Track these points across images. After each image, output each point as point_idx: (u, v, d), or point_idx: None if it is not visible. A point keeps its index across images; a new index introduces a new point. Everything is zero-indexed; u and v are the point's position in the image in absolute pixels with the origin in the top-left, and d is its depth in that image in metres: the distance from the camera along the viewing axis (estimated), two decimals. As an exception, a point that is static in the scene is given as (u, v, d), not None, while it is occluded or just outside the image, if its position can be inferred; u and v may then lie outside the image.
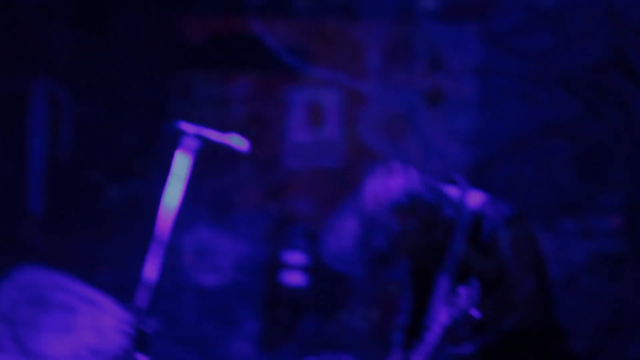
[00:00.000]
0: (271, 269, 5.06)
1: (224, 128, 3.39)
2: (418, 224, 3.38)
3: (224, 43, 5.21)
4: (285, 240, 4.99)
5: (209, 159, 5.00)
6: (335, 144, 5.09)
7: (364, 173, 5.03)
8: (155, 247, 3.15)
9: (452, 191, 3.44)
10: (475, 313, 3.28)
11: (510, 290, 3.35)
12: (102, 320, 4.15)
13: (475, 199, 3.38)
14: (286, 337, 5.08)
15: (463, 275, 3.35)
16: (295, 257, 4.95)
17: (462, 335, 3.39)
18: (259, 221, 5.17)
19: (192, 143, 3.25)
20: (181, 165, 3.24)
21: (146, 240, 3.02)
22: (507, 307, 3.38)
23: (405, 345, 3.68)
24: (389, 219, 3.37)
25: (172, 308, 5.19)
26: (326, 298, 5.06)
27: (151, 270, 3.12)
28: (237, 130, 3.60)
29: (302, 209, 4.97)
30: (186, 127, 3.28)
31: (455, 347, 3.44)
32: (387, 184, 3.43)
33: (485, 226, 3.38)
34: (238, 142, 3.44)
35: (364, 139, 5.09)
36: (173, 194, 3.19)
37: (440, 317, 3.38)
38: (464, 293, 3.31)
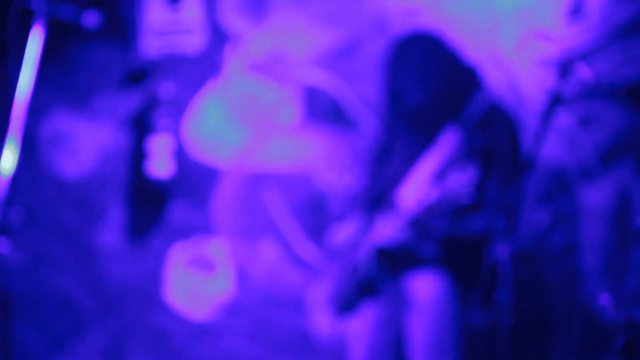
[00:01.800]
0: (135, 156, 4.96)
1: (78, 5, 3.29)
2: None
3: None
4: (149, 126, 4.89)
5: (63, 43, 4.83)
6: (195, 26, 4.97)
7: (225, 56, 4.98)
8: (11, 136, 3.04)
9: None
10: (467, 199, 3.31)
11: None
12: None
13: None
14: (153, 225, 5.04)
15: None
16: (160, 144, 4.87)
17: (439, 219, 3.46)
18: (120, 106, 5.05)
19: (43, 22, 3.13)
20: (32, 47, 3.10)
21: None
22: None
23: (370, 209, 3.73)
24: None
25: (31, 199, 5.07)
26: (192, 185, 5.02)
27: (7, 160, 3.01)
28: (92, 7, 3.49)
29: (164, 94, 4.86)
30: (36, 5, 3.14)
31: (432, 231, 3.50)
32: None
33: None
34: (91, 18, 3.35)
35: (223, 21, 5.00)
36: (25, 79, 3.06)
37: (427, 193, 3.43)
38: (458, 176, 3.34)
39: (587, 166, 4.81)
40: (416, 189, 3.66)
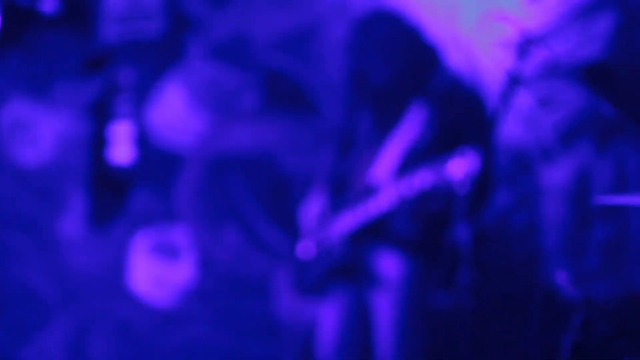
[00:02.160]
0: (95, 143, 4.93)
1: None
2: None
3: None
4: (109, 113, 4.85)
5: (21, 29, 4.77)
6: (155, 11, 4.93)
7: (185, 41, 4.94)
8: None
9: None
10: (462, 189, 3.26)
11: None
12: None
13: None
14: (115, 213, 5.02)
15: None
16: (121, 131, 4.84)
17: (433, 207, 3.46)
18: (80, 93, 5.00)
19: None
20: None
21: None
22: None
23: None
24: None
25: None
26: (154, 171, 5.00)
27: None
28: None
29: (124, 80, 4.83)
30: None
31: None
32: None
33: None
34: (48, 3, 3.33)
35: (184, 4, 4.98)
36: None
37: (416, 179, 3.42)
38: (455, 163, 3.31)
39: (547, 146, 4.84)
40: (386, 168, 3.67)
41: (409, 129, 3.68)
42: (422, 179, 3.49)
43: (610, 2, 4.74)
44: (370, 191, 3.70)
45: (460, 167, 3.28)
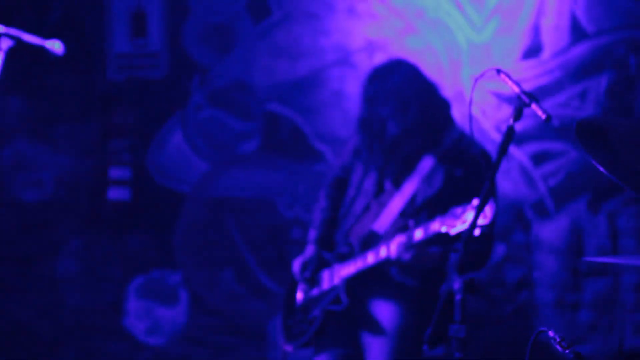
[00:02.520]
0: (96, 183, 4.97)
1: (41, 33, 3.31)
2: None
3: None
4: (109, 154, 4.90)
5: (27, 71, 4.84)
6: (158, 54, 5.01)
7: (188, 84, 5.02)
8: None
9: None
10: (477, 232, 3.28)
11: None
12: None
13: None
14: (113, 253, 5.04)
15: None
16: (120, 172, 4.88)
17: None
18: (81, 134, 5.06)
19: (4, 43, 3.15)
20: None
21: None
22: None
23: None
24: None
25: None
26: (152, 213, 5.03)
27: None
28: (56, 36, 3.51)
29: (126, 122, 4.89)
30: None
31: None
32: None
33: None
34: (54, 45, 3.39)
35: (188, 50, 5.05)
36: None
37: (431, 225, 3.44)
38: (473, 209, 3.32)
39: (542, 202, 4.90)
40: (392, 217, 3.69)
41: (417, 181, 3.71)
42: (426, 229, 3.51)
43: (605, 61, 4.84)
44: (373, 240, 3.72)
45: (474, 217, 3.31)
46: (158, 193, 5.07)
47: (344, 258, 3.78)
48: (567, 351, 2.39)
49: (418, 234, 3.54)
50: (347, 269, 3.74)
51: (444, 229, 3.44)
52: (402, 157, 3.76)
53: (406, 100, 3.69)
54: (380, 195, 3.82)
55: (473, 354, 3.24)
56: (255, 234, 5.04)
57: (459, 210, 3.42)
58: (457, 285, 2.87)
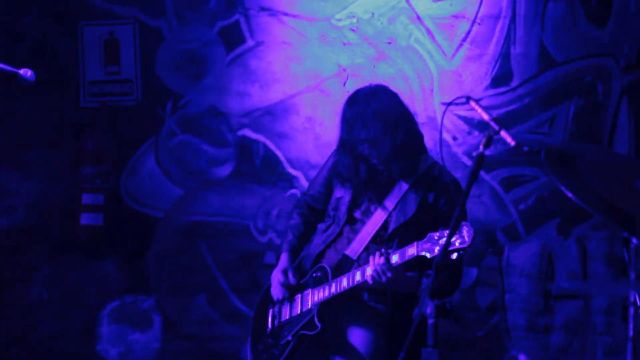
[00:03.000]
0: (67, 209, 4.96)
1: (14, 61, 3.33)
2: None
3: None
4: (82, 179, 4.90)
5: None
6: (131, 81, 5.03)
7: (161, 111, 5.03)
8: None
9: None
10: (453, 255, 3.31)
11: None
12: None
13: None
14: (85, 279, 5.03)
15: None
16: (92, 197, 4.88)
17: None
18: (53, 160, 5.05)
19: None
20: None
21: None
22: None
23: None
24: None
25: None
26: (124, 239, 5.03)
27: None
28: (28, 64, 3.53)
29: (99, 148, 4.89)
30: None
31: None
32: None
33: None
34: (26, 73, 3.42)
35: (161, 77, 5.06)
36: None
37: (408, 250, 3.46)
38: (447, 234, 3.34)
39: (514, 226, 4.95)
40: (366, 242, 3.71)
41: (391, 207, 3.73)
42: (403, 254, 3.53)
43: (573, 88, 4.91)
44: (346, 264, 3.73)
45: (446, 240, 3.34)
46: (131, 218, 5.07)
47: (318, 282, 3.79)
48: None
49: (395, 258, 3.56)
50: (321, 293, 3.75)
51: (423, 253, 3.46)
52: (379, 181, 3.79)
53: (389, 125, 3.71)
54: (353, 220, 3.84)
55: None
56: (229, 258, 5.05)
57: (435, 235, 3.45)
58: (429, 309, 2.90)
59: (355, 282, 3.65)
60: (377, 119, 3.72)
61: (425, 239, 3.46)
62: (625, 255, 4.42)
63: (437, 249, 3.42)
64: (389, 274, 3.54)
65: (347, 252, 3.77)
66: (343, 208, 3.84)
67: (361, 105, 3.76)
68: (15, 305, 5.06)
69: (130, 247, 5.08)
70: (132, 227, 5.07)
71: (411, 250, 3.49)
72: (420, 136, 3.85)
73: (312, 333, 3.74)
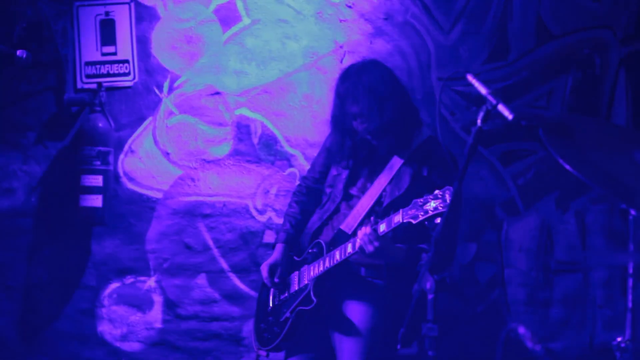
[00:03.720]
0: (67, 191, 4.96)
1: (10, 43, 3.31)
2: None
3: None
4: (81, 161, 4.90)
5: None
6: (128, 61, 5.01)
7: (158, 91, 5.02)
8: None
9: None
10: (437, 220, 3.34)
11: None
12: None
13: None
14: (86, 260, 5.03)
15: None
16: (91, 179, 4.87)
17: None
18: (52, 142, 5.05)
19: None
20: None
21: None
22: None
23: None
24: None
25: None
26: (124, 220, 5.03)
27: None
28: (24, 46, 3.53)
29: (96, 129, 4.88)
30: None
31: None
32: None
33: None
34: (22, 54, 3.43)
35: (157, 57, 5.05)
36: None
37: (394, 217, 3.46)
38: (434, 198, 3.36)
39: (512, 201, 4.95)
40: (361, 216, 3.71)
41: (386, 181, 3.74)
42: (389, 222, 3.53)
43: (570, 61, 4.90)
44: (341, 239, 3.74)
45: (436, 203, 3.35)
46: (130, 199, 5.07)
47: (314, 258, 3.80)
48: (537, 347, 2.43)
49: (382, 227, 3.56)
50: (317, 268, 3.77)
51: (407, 220, 3.46)
52: (372, 156, 3.80)
53: (380, 100, 3.71)
54: (349, 196, 3.84)
55: (446, 352, 3.27)
56: (228, 238, 5.05)
57: (420, 201, 3.45)
58: (429, 284, 2.91)
59: (347, 254, 3.66)
60: (368, 93, 3.72)
61: (410, 206, 3.46)
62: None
63: (421, 215, 3.42)
64: (376, 244, 3.54)
65: (342, 226, 3.78)
66: (339, 185, 3.85)
67: (352, 80, 3.76)
68: (15, 287, 5.07)
69: (130, 228, 5.08)
70: (131, 208, 5.07)
71: (397, 218, 3.49)
72: (415, 111, 3.85)
73: (308, 308, 3.75)
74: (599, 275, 4.91)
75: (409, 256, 3.69)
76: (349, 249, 3.66)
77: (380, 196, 3.76)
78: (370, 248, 3.56)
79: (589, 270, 4.92)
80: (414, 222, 3.44)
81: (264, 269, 3.96)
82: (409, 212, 3.46)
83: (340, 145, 3.83)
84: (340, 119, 3.80)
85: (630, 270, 2.93)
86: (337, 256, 3.70)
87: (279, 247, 3.99)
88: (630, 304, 2.91)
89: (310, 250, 3.86)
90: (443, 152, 3.71)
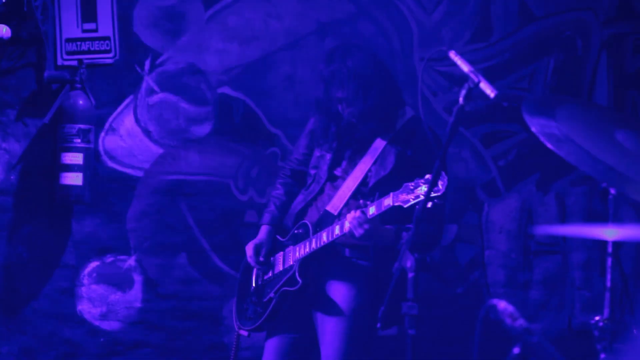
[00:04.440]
0: (46, 169, 4.93)
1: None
2: None
3: None
4: (61, 139, 4.86)
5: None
6: (109, 38, 4.97)
7: (139, 69, 4.98)
8: None
9: None
10: (429, 204, 3.31)
11: None
12: None
13: None
14: (66, 239, 5.01)
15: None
16: (72, 157, 4.84)
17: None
18: (32, 119, 5.01)
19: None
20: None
21: None
22: None
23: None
24: None
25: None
26: (104, 198, 5.00)
27: None
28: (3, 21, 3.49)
29: (77, 106, 4.84)
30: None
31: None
32: None
33: None
34: (2, 29, 3.39)
35: (139, 34, 5.01)
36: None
37: (384, 200, 3.44)
38: (425, 183, 3.35)
39: (493, 182, 4.96)
40: (347, 197, 3.71)
41: (370, 162, 3.73)
42: (379, 205, 3.53)
43: (552, 43, 4.91)
44: (327, 220, 3.73)
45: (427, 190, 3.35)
46: (111, 178, 5.04)
47: (299, 239, 3.80)
48: (516, 324, 2.43)
49: (372, 210, 3.57)
50: (302, 249, 3.76)
51: (399, 204, 3.47)
52: (356, 139, 3.79)
53: (365, 85, 3.72)
54: (333, 177, 3.84)
55: (426, 332, 3.28)
56: (209, 217, 5.04)
57: (411, 185, 3.45)
58: (409, 263, 2.90)
59: (334, 236, 3.66)
60: (352, 78, 3.72)
61: (400, 190, 3.47)
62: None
63: (412, 199, 3.42)
64: (366, 226, 3.55)
65: (328, 207, 3.78)
66: (324, 167, 3.85)
67: (337, 64, 3.76)
68: (-6, 264, 5.05)
69: (110, 207, 5.05)
70: (111, 186, 5.05)
71: (387, 201, 3.50)
72: (398, 92, 3.85)
73: (293, 289, 3.75)
74: (578, 258, 4.93)
75: (399, 237, 3.69)
76: (337, 230, 3.65)
77: (366, 176, 3.76)
78: (360, 231, 3.57)
79: (568, 252, 4.95)
80: (404, 206, 3.44)
81: (249, 248, 3.95)
82: (400, 196, 3.46)
83: (325, 129, 3.83)
84: (325, 103, 3.80)
85: (610, 250, 2.94)
86: (325, 238, 3.70)
87: (265, 229, 3.99)
88: (609, 284, 2.92)
89: (295, 231, 3.85)
90: (426, 131, 3.71)
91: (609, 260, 2.94)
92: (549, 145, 2.69)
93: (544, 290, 4.92)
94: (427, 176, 3.41)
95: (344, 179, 3.81)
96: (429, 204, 3.30)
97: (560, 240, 4.95)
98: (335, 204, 3.78)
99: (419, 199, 3.39)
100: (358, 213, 3.57)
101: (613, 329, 2.91)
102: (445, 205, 3.72)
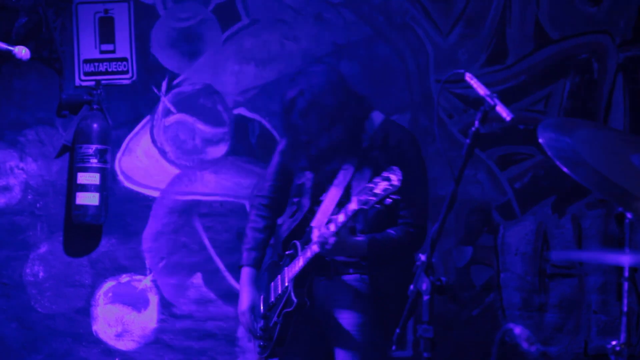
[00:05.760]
0: (63, 188, 4.95)
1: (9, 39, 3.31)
2: None
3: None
4: (78, 159, 4.89)
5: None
6: (126, 59, 5.00)
7: (156, 89, 5.02)
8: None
9: None
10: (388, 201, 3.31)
11: None
12: None
13: None
14: (82, 258, 5.02)
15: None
16: (88, 177, 4.86)
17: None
18: (49, 139, 5.04)
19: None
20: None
21: None
22: None
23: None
24: None
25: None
26: (121, 218, 5.02)
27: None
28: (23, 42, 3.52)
29: (94, 127, 4.87)
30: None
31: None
32: None
33: None
34: (21, 50, 3.42)
35: (155, 55, 5.04)
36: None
37: (350, 204, 3.43)
38: (382, 180, 3.35)
39: (509, 204, 4.95)
40: (329, 210, 3.69)
41: (350, 175, 3.71)
42: (346, 211, 3.49)
43: (568, 65, 4.91)
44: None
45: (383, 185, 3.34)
46: (127, 198, 5.06)
47: (292, 259, 3.78)
48: (532, 348, 2.42)
49: (340, 217, 3.53)
50: (293, 269, 3.74)
51: (359, 207, 3.43)
52: (331, 163, 3.74)
53: (324, 120, 3.66)
54: (317, 202, 3.81)
55: (441, 355, 3.27)
56: (225, 238, 5.04)
57: (370, 185, 3.42)
58: (425, 285, 2.90)
59: (313, 252, 3.62)
60: (312, 111, 3.67)
61: (361, 191, 3.43)
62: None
63: (372, 198, 3.39)
64: (331, 240, 3.51)
65: (313, 224, 3.74)
66: (306, 195, 3.83)
67: (295, 91, 3.70)
68: (11, 284, 5.06)
69: (126, 226, 5.07)
70: (127, 206, 5.07)
71: (352, 206, 3.46)
72: (362, 102, 3.77)
73: (291, 309, 3.71)
74: (595, 281, 4.91)
75: (372, 247, 3.65)
76: (314, 247, 3.63)
77: (348, 187, 3.72)
78: (327, 246, 3.54)
79: (584, 276, 4.93)
80: (366, 207, 3.40)
81: (245, 316, 3.92)
82: (361, 198, 3.42)
83: (296, 160, 3.79)
84: (290, 131, 3.75)
85: (626, 274, 2.93)
86: (308, 254, 3.67)
87: (250, 273, 3.96)
88: (625, 308, 2.90)
89: (287, 253, 3.83)
90: (400, 132, 3.70)
91: (626, 285, 2.92)
92: (565, 169, 2.69)
93: (559, 313, 4.89)
94: (384, 173, 3.38)
95: (324, 200, 3.79)
96: (388, 201, 3.32)
97: (577, 263, 4.93)
98: (320, 219, 3.75)
99: (379, 198, 3.36)
100: (323, 229, 3.55)
101: (629, 353, 2.90)
102: (426, 217, 3.70)
